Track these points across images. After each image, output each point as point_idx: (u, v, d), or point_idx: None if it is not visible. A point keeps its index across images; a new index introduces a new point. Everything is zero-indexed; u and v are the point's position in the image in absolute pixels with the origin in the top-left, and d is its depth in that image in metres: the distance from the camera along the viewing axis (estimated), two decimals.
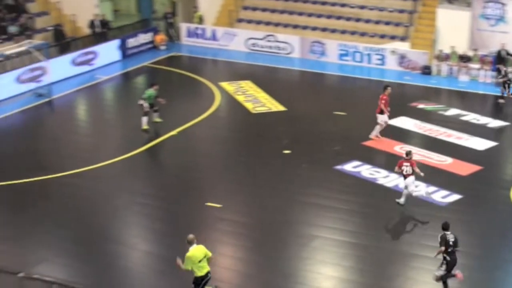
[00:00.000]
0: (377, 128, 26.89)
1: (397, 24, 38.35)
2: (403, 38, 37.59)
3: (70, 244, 20.09)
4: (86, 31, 39.76)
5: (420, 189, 22.15)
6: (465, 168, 24.61)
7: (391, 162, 23.70)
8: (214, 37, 41.06)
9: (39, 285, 16.42)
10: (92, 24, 39.37)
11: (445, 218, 20.89)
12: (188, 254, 16.35)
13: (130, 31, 40.47)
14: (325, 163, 24.98)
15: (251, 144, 27.19)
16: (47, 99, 32.33)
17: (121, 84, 35.91)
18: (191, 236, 16.55)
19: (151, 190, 23.48)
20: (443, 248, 17.04)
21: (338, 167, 24.57)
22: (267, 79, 35.20)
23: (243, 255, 19.75)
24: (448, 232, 17.21)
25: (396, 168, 21.77)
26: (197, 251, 16.41)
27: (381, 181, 23.55)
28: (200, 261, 16.42)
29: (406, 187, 21.64)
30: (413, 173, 21.47)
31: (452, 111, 30.20)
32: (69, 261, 19.25)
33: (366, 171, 24.26)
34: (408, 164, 21.47)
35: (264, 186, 23.50)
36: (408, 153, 21.76)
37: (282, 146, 26.44)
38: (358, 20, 39.38)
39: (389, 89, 26.92)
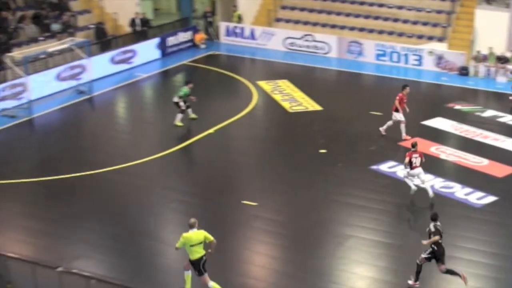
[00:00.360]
0: (403, 128, 26.98)
1: (435, 25, 38.26)
2: (440, 39, 37.49)
3: (108, 240, 20.30)
4: (127, 29, 40.25)
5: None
6: (501, 170, 24.56)
7: (426, 163, 23.71)
8: (252, 36, 41.30)
9: (78, 280, 16.61)
10: (133, 23, 39.85)
11: (481, 220, 21.19)
12: (185, 234, 16.88)
13: (170, 30, 40.93)
14: (360, 163, 25.04)
15: (287, 143, 27.29)
16: (87, 96, 32.77)
17: (160, 82, 36.26)
18: (193, 220, 17.08)
19: (188, 188, 23.64)
20: (437, 237, 17.35)
21: (374, 167, 24.63)
22: (304, 78, 35.32)
23: (278, 253, 19.81)
24: (438, 223, 17.60)
25: (406, 160, 22.10)
26: (194, 235, 16.86)
27: (416, 181, 23.59)
28: (192, 245, 16.86)
29: (422, 181, 22.13)
30: (421, 164, 21.96)
31: (489, 113, 30.13)
32: (107, 257, 19.47)
33: (402, 172, 24.20)
34: (417, 155, 22.04)
35: (299, 185, 23.60)
36: (415, 145, 22.32)
37: (318, 146, 26.56)
38: (396, 20, 39.36)
39: (407, 89, 27.06)
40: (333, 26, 40.55)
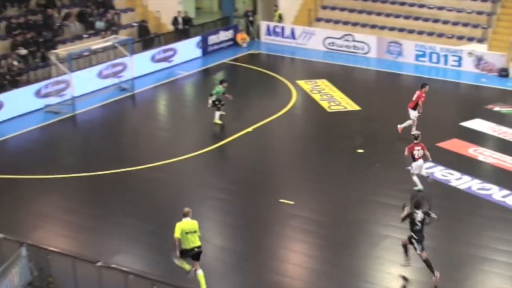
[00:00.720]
0: (408, 123, 27.11)
1: (475, 26, 38.08)
2: (480, 40, 37.31)
3: (146, 236, 20.49)
4: (170, 27, 40.65)
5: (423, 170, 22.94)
6: None
7: (464, 164, 23.78)
8: (292, 36, 41.46)
9: (116, 275, 16.76)
10: (175, 21, 40.25)
11: None
12: (178, 223, 17.33)
13: (211, 29, 41.28)
14: (398, 163, 24.90)
15: (325, 142, 27.37)
16: (129, 94, 33.21)
17: (200, 80, 36.54)
18: (187, 209, 17.57)
19: (226, 185, 23.76)
20: (404, 214, 17.91)
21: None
22: (343, 78, 35.38)
23: (314, 252, 19.90)
24: (418, 212, 17.85)
25: (407, 152, 22.78)
26: (187, 224, 17.33)
27: (453, 183, 23.56)
28: (187, 233, 17.26)
29: (418, 171, 22.72)
30: (424, 156, 22.54)
31: None
32: (145, 253, 19.64)
33: (439, 172, 24.20)
34: (419, 148, 22.67)
35: (336, 184, 23.72)
36: (417, 137, 23.02)
37: (356, 146, 26.62)
38: (436, 21, 39.24)
39: (426, 87, 27.07)
40: (373, 26, 40.56)
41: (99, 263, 16.99)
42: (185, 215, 17.46)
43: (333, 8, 42.51)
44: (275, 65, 38.49)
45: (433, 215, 18.10)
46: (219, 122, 28.79)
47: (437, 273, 17.96)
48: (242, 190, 23.53)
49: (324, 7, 42.87)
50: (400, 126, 27.38)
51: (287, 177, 24.78)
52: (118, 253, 19.29)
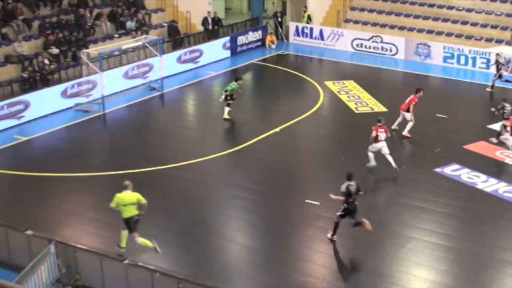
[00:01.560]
0: (410, 125, 27.37)
1: (504, 28, 37.90)
2: (509, 42, 37.11)
3: (172, 234, 20.60)
4: (199, 28, 40.91)
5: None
6: None
7: (491, 167, 23.70)
8: (321, 37, 41.54)
9: (143, 273, 16.96)
10: (205, 21, 40.50)
11: None
12: (118, 195, 18.72)
13: (240, 29, 41.48)
14: (424, 165, 25.04)
15: (352, 143, 27.36)
16: (158, 93, 33.48)
17: (229, 80, 36.33)
18: (127, 182, 18.92)
19: (252, 185, 23.82)
20: (342, 198, 19.50)
21: (438, 169, 24.60)
22: (370, 79, 35.39)
23: (338, 253, 19.84)
24: (352, 183, 19.54)
25: (373, 133, 24.18)
26: (127, 196, 18.65)
27: (480, 185, 23.51)
28: (125, 205, 18.57)
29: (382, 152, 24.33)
30: (386, 138, 24.23)
31: None
32: (171, 251, 19.72)
33: (466, 175, 24.18)
34: (383, 130, 24.22)
35: (362, 185, 23.34)
36: (381, 120, 24.43)
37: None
38: (464, 23, 39.14)
39: (421, 93, 27.57)
40: (402, 28, 40.55)
41: (126, 261, 17.23)
42: (125, 187, 18.76)
43: (362, 10, 42.56)
44: (303, 66, 38.62)
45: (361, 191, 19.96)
46: (227, 117, 29.35)
47: (335, 237, 19.96)
48: (268, 190, 23.61)
49: (353, 9, 42.92)
50: (405, 133, 27.54)
51: (313, 177, 24.89)
52: (145, 251, 19.36)
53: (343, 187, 19.50)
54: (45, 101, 30.16)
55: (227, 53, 39.49)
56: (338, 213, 19.78)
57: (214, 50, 38.76)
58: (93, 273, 17.69)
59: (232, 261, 19.53)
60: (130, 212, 18.66)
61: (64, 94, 30.83)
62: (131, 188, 18.72)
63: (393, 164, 24.10)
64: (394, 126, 27.75)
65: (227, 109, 29.40)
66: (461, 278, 18.52)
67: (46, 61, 32.25)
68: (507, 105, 26.52)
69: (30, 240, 18.33)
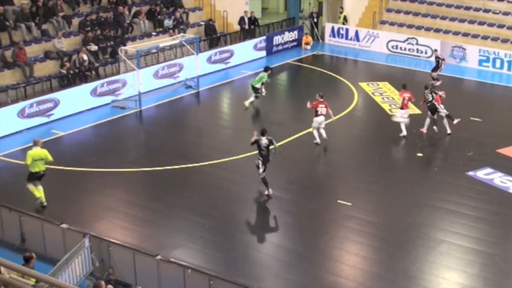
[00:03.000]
0: (402, 126, 27.71)
1: None
2: None
3: (205, 231, 20.71)
4: (236, 27, 41.14)
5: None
6: None
7: None
8: (356, 38, 41.56)
9: (175, 269, 17.09)
10: (241, 21, 40.73)
11: None
12: (29, 152, 21.21)
13: (276, 29, 41.65)
14: (457, 168, 24.97)
15: (385, 144, 27.41)
16: (194, 91, 33.75)
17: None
18: (37, 139, 21.76)
19: (285, 185, 23.89)
20: (253, 139, 22.36)
21: (471, 173, 24.50)
22: (405, 81, 34.76)
23: (369, 254, 19.92)
24: (263, 138, 22.35)
25: (308, 104, 26.55)
26: (37, 152, 21.13)
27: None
28: (35, 160, 21.01)
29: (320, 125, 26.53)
30: (326, 113, 26.38)
31: None
32: (203, 248, 19.84)
33: (499, 179, 24.05)
34: (323, 105, 26.47)
35: (394, 187, 23.75)
36: (322, 96, 26.58)
37: (416, 149, 26.70)
38: (501, 26, 38.87)
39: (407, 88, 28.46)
40: (437, 30, 40.41)
41: (158, 257, 17.35)
42: (35, 143, 21.26)
43: (398, 11, 42.47)
44: (338, 67, 38.68)
45: (275, 143, 22.72)
46: (247, 105, 30.44)
47: (270, 190, 22.44)
48: (301, 190, 23.70)
49: (389, 10, 42.85)
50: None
51: (345, 178, 24.92)
52: (177, 247, 19.60)
53: (253, 138, 22.49)
54: (82, 98, 30.55)
55: (259, 54, 39.51)
56: (260, 171, 22.47)
57: (246, 51, 38.84)
58: (126, 267, 17.88)
59: (263, 259, 19.64)
60: (39, 167, 21.08)
61: (94, 92, 31.13)
62: (40, 144, 21.29)
63: (324, 136, 26.56)
64: (425, 129, 27.84)
65: (252, 98, 30.54)
66: (492, 282, 18.44)
67: (85, 57, 32.68)
68: None
69: (65, 233, 18.63)
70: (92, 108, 30.83)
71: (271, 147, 22.58)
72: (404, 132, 27.47)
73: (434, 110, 27.25)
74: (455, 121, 27.37)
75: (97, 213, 21.84)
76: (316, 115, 26.43)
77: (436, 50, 35.23)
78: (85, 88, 30.95)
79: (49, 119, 29.25)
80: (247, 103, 30.68)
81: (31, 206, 21.14)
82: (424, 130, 27.98)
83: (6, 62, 31.36)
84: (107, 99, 31.46)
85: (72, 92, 30.42)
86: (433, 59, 37.61)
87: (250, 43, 39.44)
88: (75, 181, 24.03)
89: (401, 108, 27.85)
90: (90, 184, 23.81)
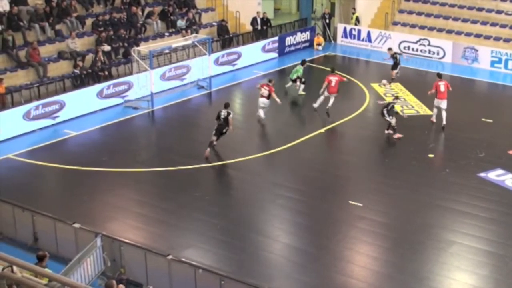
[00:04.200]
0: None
1: None
2: None
3: (216, 231, 20.78)
4: (248, 28, 41.21)
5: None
6: None
7: None
8: (368, 39, 41.56)
9: (186, 269, 17.15)
10: (254, 22, 40.79)
11: None
12: None
13: (289, 30, 41.69)
14: (468, 169, 24.93)
15: (396, 145, 27.38)
16: (206, 92, 33.85)
17: (276, 80, 36.58)
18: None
19: (296, 185, 23.95)
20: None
21: (482, 174, 24.46)
22: (416, 82, 35.24)
23: (380, 255, 19.93)
24: (223, 111, 25.38)
25: (258, 85, 29.74)
26: None
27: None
28: None
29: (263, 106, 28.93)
30: (269, 97, 28.65)
31: None
32: (214, 248, 19.91)
33: (510, 180, 23.99)
34: (267, 88, 28.82)
35: (405, 188, 23.71)
36: (270, 80, 29.53)
37: (427, 150, 26.69)
38: None
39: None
40: (450, 32, 40.34)
41: (169, 256, 17.42)
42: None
43: (410, 12, 42.43)
44: (350, 68, 38.67)
45: (231, 113, 25.51)
46: (303, 93, 32.72)
47: (208, 150, 24.98)
48: (312, 190, 23.72)
49: (401, 11, 42.81)
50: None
51: (356, 179, 24.92)
52: (188, 247, 19.65)
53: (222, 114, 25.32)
54: (88, 100, 30.57)
55: (267, 56, 39.49)
56: (212, 138, 25.24)
57: (254, 53, 38.71)
58: (137, 267, 17.95)
59: (273, 259, 19.67)
60: None
61: (100, 94, 31.11)
62: None
63: (261, 115, 28.96)
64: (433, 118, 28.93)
65: (302, 86, 32.88)
66: (502, 284, 18.43)
67: (102, 58, 32.94)
68: None
69: (77, 233, 18.72)
70: (104, 109, 30.93)
71: (230, 116, 25.43)
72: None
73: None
74: (396, 136, 27.77)
75: (109, 213, 21.93)
76: (260, 96, 28.94)
77: (390, 49, 35.55)
78: (91, 90, 30.93)
79: (54, 121, 29.24)
80: (300, 91, 32.93)
81: (44, 206, 21.16)
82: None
83: (20, 62, 31.55)
84: (114, 101, 31.53)
85: (78, 94, 30.37)
86: (446, 60, 37.74)
87: (258, 44, 39.35)
88: (88, 180, 24.09)
89: (329, 92, 29.90)
90: (102, 184, 23.90)
